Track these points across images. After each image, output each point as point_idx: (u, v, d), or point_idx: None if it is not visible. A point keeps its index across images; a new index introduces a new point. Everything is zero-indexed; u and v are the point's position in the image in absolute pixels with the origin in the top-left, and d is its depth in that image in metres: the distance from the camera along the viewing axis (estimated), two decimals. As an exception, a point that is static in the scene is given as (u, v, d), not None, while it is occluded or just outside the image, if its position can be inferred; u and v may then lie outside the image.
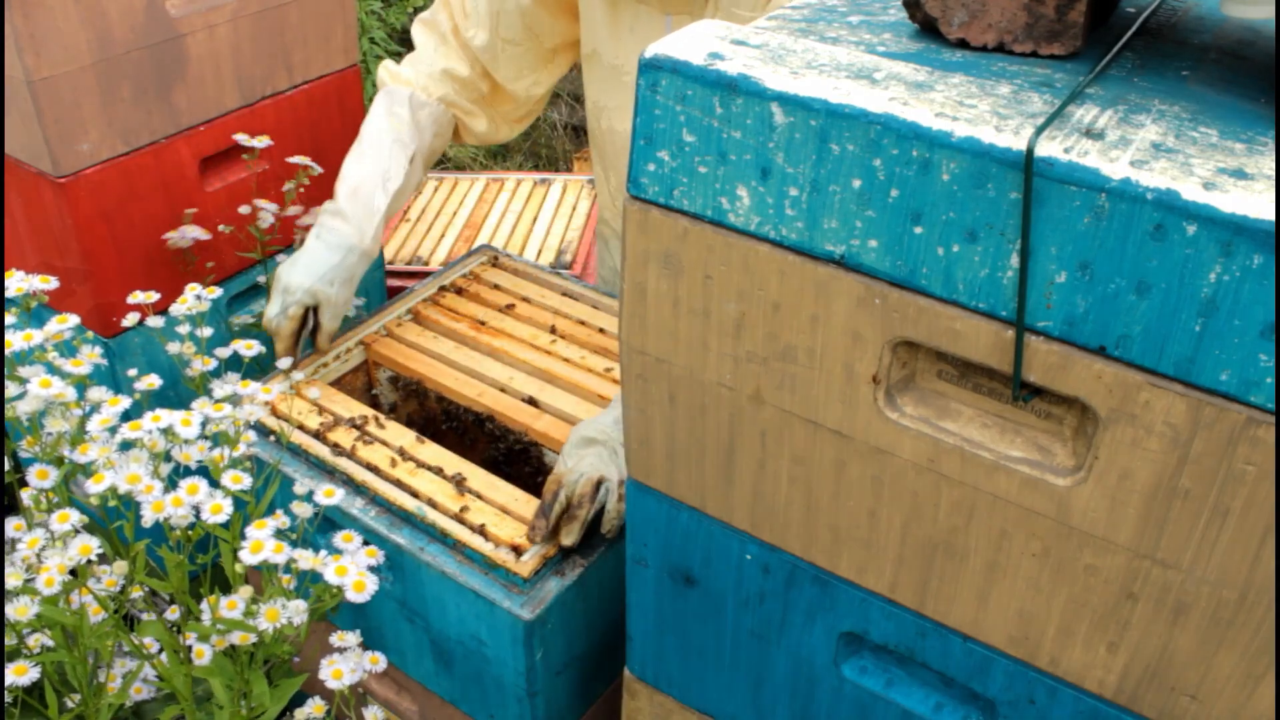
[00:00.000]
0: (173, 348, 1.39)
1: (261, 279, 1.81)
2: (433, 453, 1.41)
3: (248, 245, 1.71)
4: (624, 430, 1.04)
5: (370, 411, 1.47)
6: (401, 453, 1.40)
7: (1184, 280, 0.68)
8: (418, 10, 4.91)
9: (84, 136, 1.50)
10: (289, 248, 1.81)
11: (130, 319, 1.43)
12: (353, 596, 1.09)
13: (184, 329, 1.35)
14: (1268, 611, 0.74)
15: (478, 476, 1.37)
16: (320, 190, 1.80)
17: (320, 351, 1.57)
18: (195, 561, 1.15)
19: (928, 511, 0.87)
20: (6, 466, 1.23)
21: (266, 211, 1.67)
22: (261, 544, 1.07)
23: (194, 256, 1.66)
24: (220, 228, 1.65)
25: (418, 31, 1.67)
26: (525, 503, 1.34)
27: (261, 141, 1.63)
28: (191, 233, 1.59)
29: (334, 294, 1.52)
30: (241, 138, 1.63)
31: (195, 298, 1.35)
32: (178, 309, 1.34)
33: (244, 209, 1.68)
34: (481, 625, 1.27)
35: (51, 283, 1.25)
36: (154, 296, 1.41)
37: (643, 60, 0.84)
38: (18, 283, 1.23)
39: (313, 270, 1.51)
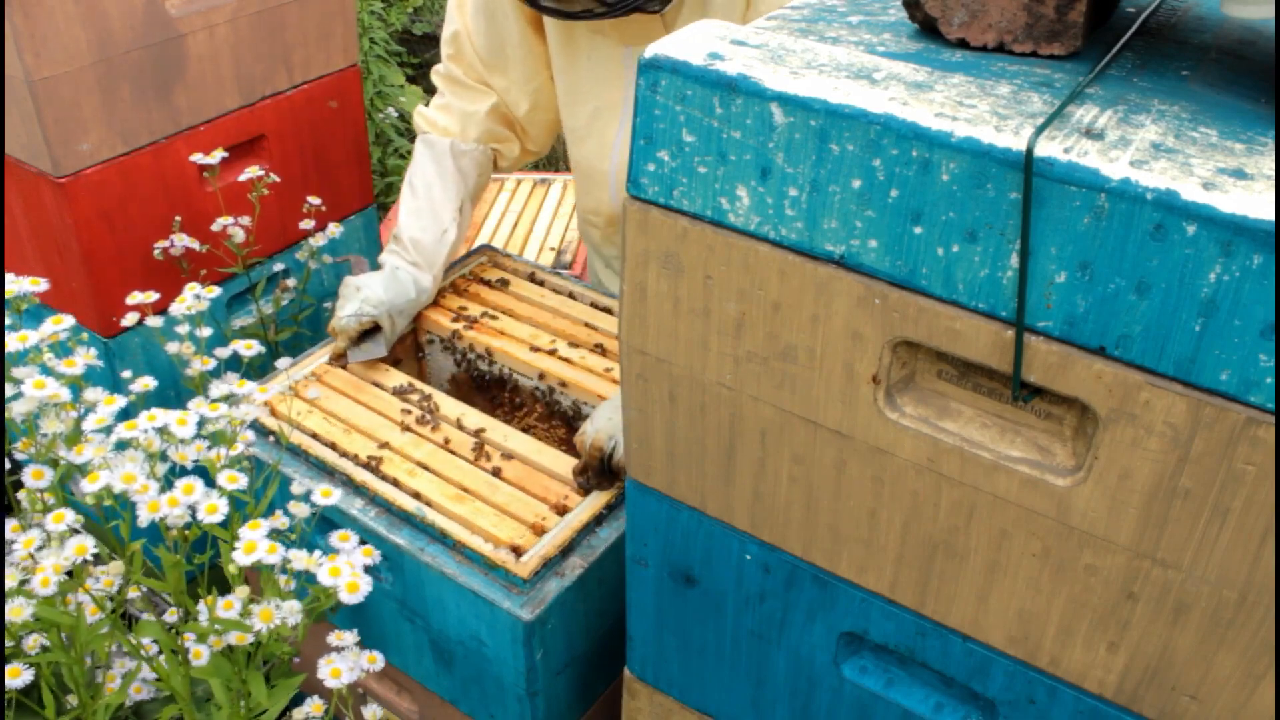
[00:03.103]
0: (172, 348, 1.39)
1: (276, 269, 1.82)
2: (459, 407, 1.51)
3: (228, 259, 1.71)
4: (624, 430, 1.04)
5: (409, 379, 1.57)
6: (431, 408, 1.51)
7: (1184, 280, 0.68)
8: (418, 10, 4.91)
9: (84, 136, 1.50)
10: (273, 257, 1.82)
11: (130, 319, 1.42)
12: (346, 598, 1.09)
13: (183, 329, 1.34)
14: (1268, 611, 0.74)
15: (498, 430, 1.46)
16: (329, 212, 1.83)
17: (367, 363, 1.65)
18: (192, 561, 1.15)
19: (928, 511, 0.87)
20: (6, 467, 1.23)
21: (239, 228, 1.67)
22: (255, 544, 1.07)
23: (187, 263, 1.66)
24: (196, 246, 1.65)
25: (439, 82, 1.74)
26: (524, 502, 1.34)
27: (216, 157, 1.64)
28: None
29: (399, 322, 1.62)
30: (198, 158, 1.64)
31: (194, 297, 1.35)
32: (177, 309, 1.34)
33: (215, 226, 1.67)
34: (481, 625, 1.27)
35: (41, 284, 1.25)
36: (153, 296, 1.41)
37: (643, 60, 0.84)
38: (9, 285, 1.23)
39: (393, 293, 1.61)
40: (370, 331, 1.60)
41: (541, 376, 1.59)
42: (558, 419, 1.61)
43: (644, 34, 1.52)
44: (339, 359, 1.59)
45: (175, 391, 1.68)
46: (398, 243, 1.67)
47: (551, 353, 1.61)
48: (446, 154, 1.69)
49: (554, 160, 4.48)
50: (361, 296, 1.58)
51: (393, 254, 1.67)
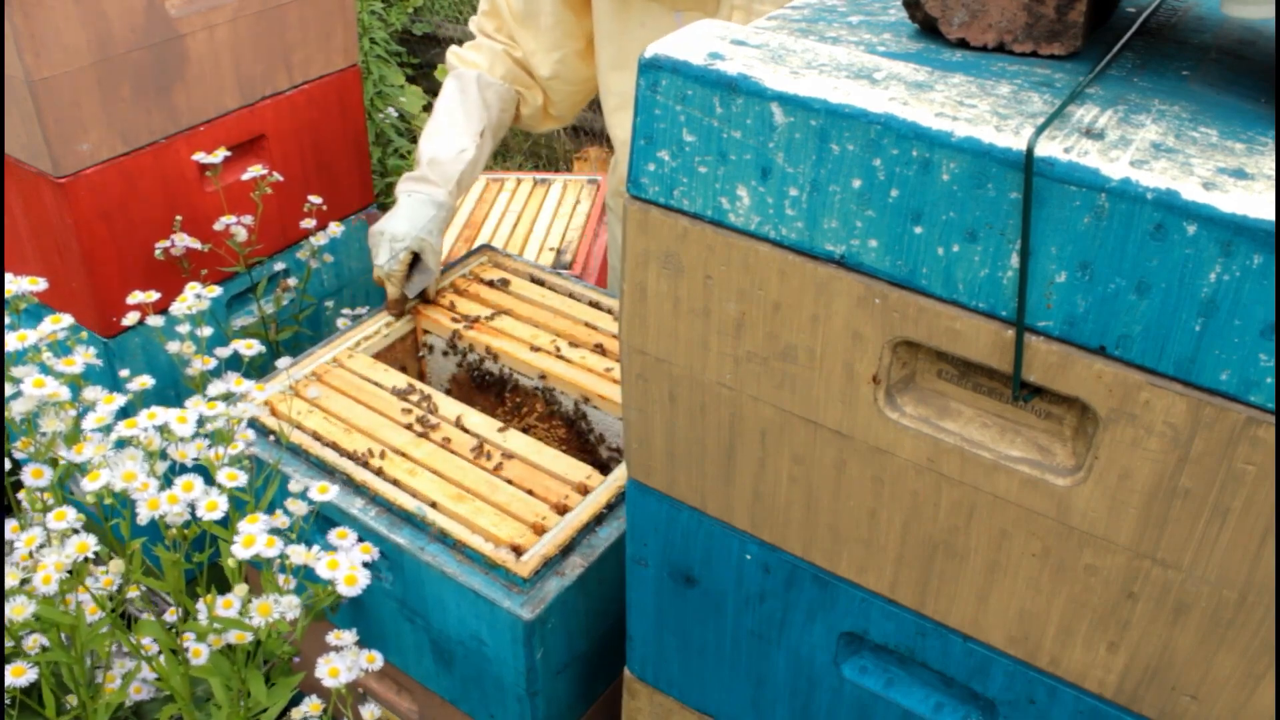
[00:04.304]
0: (172, 347, 1.39)
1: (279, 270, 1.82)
2: (470, 414, 1.51)
3: (230, 259, 1.71)
4: (624, 430, 1.04)
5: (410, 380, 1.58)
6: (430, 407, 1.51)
7: (1184, 280, 0.68)
8: (418, 11, 4.91)
9: (84, 136, 1.50)
10: (275, 256, 1.82)
11: (130, 318, 1.42)
12: (344, 590, 1.09)
13: (184, 328, 1.34)
14: (1268, 611, 0.74)
15: (510, 439, 1.45)
16: (329, 212, 1.85)
17: (425, 301, 1.72)
18: (192, 560, 1.15)
19: (928, 511, 0.87)
20: (6, 467, 1.23)
21: (241, 227, 1.68)
22: (253, 538, 1.07)
23: (188, 263, 1.66)
24: (198, 246, 1.65)
25: (473, 27, 1.82)
26: (524, 502, 1.34)
27: (219, 156, 1.64)
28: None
29: (435, 242, 1.68)
30: (200, 156, 1.64)
31: (195, 297, 1.35)
32: (178, 308, 1.34)
33: (218, 225, 1.68)
34: (482, 625, 1.27)
35: (40, 284, 1.25)
36: (154, 296, 1.41)
37: (643, 60, 0.84)
38: (7, 284, 1.23)
39: (415, 221, 1.66)
40: (414, 265, 1.67)
41: (543, 377, 1.59)
42: (558, 419, 1.61)
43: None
44: (397, 305, 1.67)
45: (175, 391, 1.68)
46: (416, 165, 1.72)
47: (551, 353, 1.61)
48: (472, 83, 1.75)
49: (554, 160, 4.48)
50: (388, 236, 1.65)
51: (406, 180, 1.72)
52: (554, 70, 1.77)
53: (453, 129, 1.72)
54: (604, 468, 1.47)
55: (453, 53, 1.81)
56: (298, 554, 1.11)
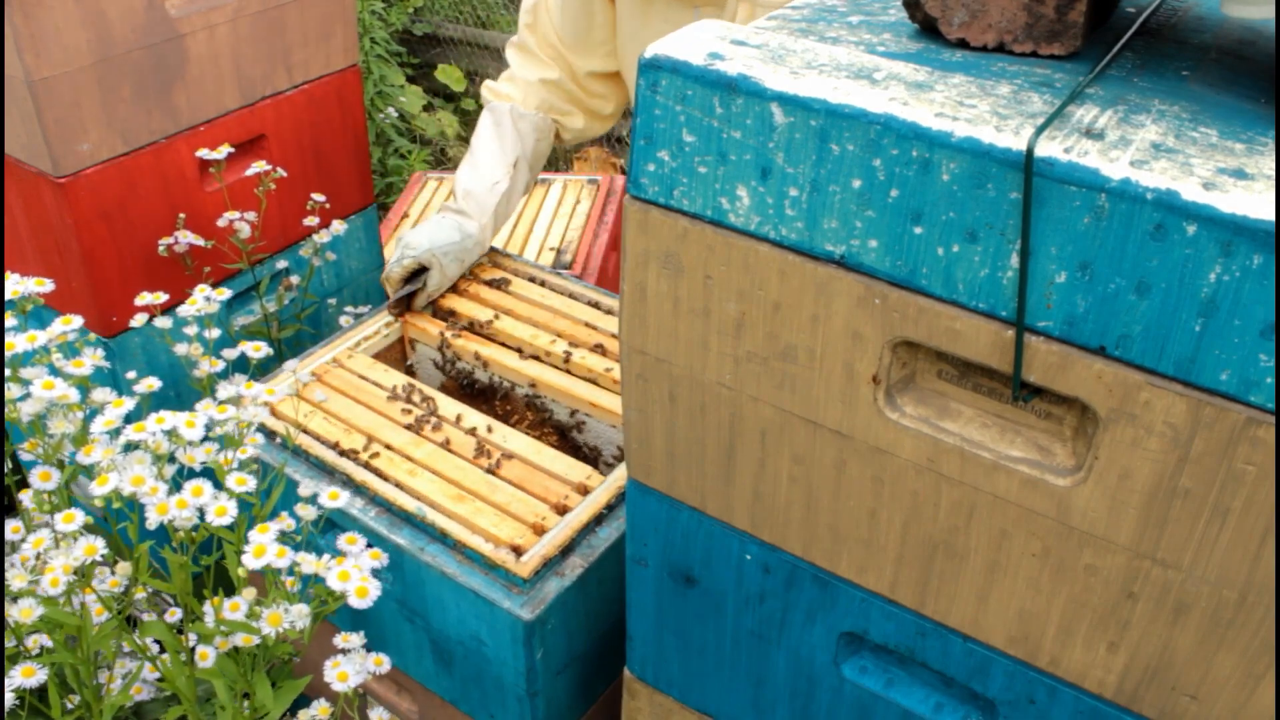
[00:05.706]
0: (180, 349, 1.39)
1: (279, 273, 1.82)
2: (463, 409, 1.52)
3: (234, 256, 1.71)
4: (624, 430, 1.04)
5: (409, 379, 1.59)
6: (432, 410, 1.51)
7: (1184, 280, 0.68)
8: (418, 11, 4.91)
9: (84, 136, 1.50)
10: (275, 255, 1.82)
11: (138, 319, 1.42)
12: (356, 603, 1.08)
13: (191, 330, 1.34)
14: (1268, 611, 0.74)
15: (505, 434, 1.46)
16: (330, 212, 1.85)
17: (412, 313, 1.74)
18: (199, 562, 1.15)
19: (928, 511, 0.87)
20: (6, 468, 1.23)
21: (245, 223, 1.68)
22: (264, 548, 1.07)
23: (191, 261, 1.66)
24: (201, 243, 1.65)
25: (510, 53, 1.85)
26: (524, 502, 1.34)
27: (223, 152, 1.64)
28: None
29: (446, 265, 1.71)
30: (204, 152, 1.64)
31: (205, 299, 1.34)
32: (186, 310, 1.33)
33: (221, 221, 1.68)
34: (481, 625, 1.27)
35: (47, 285, 1.24)
36: (161, 297, 1.41)
37: (642, 60, 0.84)
38: (13, 285, 1.23)
39: (435, 239, 1.71)
40: (419, 275, 1.70)
41: (533, 385, 1.59)
42: (549, 426, 1.60)
43: None
44: (394, 306, 1.71)
45: (175, 393, 1.68)
46: (452, 196, 1.78)
47: (551, 353, 1.61)
48: (506, 116, 1.79)
49: (554, 160, 4.48)
50: (404, 243, 1.70)
51: (444, 206, 1.78)
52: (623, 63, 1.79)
53: (487, 162, 1.77)
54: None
55: (487, 87, 1.85)
56: (308, 563, 1.11)
